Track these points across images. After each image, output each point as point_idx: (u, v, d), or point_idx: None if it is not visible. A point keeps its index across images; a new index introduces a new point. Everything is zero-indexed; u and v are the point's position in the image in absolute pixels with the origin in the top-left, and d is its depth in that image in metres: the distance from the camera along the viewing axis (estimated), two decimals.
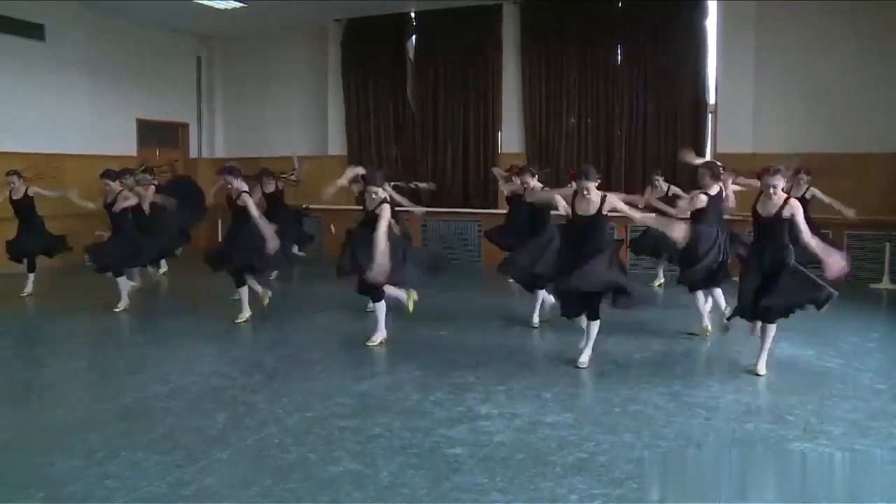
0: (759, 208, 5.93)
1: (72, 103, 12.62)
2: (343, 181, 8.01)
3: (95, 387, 5.91)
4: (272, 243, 7.56)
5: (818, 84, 10.93)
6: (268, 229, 7.57)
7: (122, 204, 8.45)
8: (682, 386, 5.65)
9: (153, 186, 9.89)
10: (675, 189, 9.13)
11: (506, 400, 5.34)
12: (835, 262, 5.65)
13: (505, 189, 9.61)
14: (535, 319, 7.75)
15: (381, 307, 6.99)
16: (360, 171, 8.00)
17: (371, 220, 6.68)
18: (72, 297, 9.62)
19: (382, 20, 13.59)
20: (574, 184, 6.12)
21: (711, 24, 11.62)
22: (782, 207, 5.78)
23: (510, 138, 13.03)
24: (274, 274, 9.90)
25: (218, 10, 12.56)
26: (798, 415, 5.02)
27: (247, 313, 7.99)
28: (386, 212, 6.58)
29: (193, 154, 15.49)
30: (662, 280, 10.19)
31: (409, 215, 9.49)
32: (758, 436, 4.65)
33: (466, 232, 12.99)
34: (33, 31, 11.99)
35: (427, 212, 11.32)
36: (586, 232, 6.13)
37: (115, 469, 4.06)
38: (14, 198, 9.37)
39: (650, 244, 9.54)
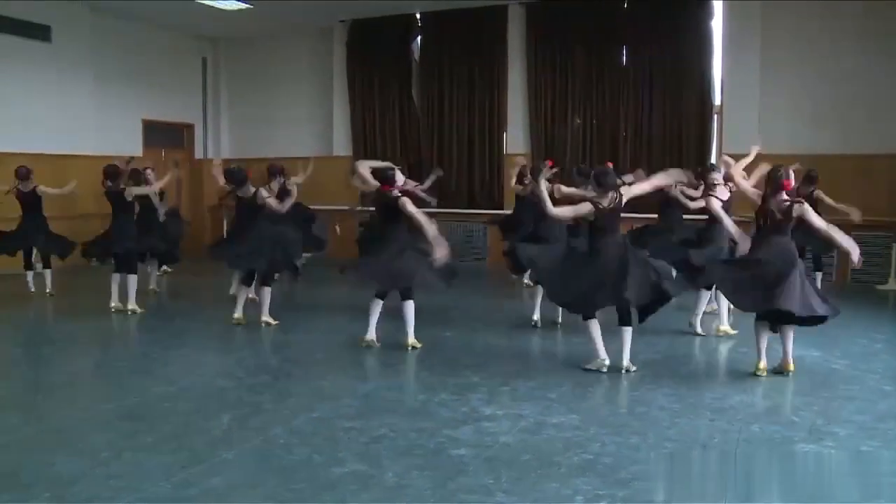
0: (766, 210, 5.90)
1: (78, 104, 12.65)
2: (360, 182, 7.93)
3: (101, 387, 5.93)
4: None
5: (824, 85, 10.91)
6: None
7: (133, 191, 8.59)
8: (688, 387, 5.64)
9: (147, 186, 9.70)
10: (682, 190, 9.05)
11: (511, 401, 5.34)
12: (853, 248, 5.64)
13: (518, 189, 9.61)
14: (536, 316, 7.70)
15: (409, 306, 6.83)
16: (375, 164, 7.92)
17: (391, 216, 6.68)
18: (77, 297, 9.63)
19: (388, 21, 13.60)
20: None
21: (717, 24, 11.60)
22: (790, 209, 5.75)
23: (515, 139, 13.02)
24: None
25: (223, 11, 12.59)
26: (804, 416, 5.00)
27: (239, 314, 7.86)
28: (408, 203, 6.58)
29: (199, 155, 15.51)
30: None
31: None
32: (763, 437, 4.64)
33: (472, 232, 12.99)
34: (39, 32, 12.01)
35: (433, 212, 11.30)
36: (607, 226, 6.04)
37: (120, 469, 4.07)
38: (23, 190, 9.35)
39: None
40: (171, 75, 14.69)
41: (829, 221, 5.94)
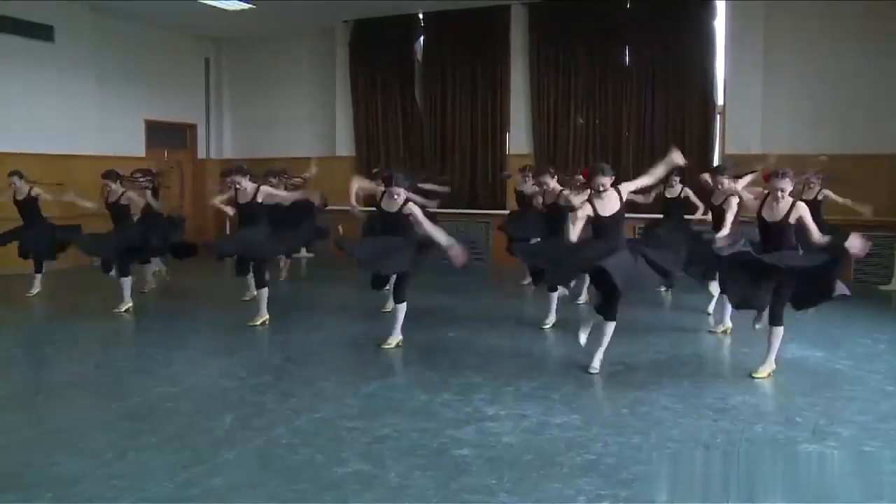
0: (766, 213, 5.88)
1: (80, 104, 12.66)
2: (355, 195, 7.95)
3: (103, 387, 5.92)
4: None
5: (827, 84, 10.90)
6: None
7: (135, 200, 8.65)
8: (691, 387, 5.63)
9: (148, 190, 9.67)
10: (688, 191, 9.05)
11: (513, 401, 5.34)
12: (854, 239, 5.54)
13: (526, 190, 9.58)
14: (551, 320, 7.69)
15: (401, 308, 6.86)
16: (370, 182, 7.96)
17: (394, 222, 6.68)
18: (79, 298, 9.65)
19: (390, 21, 13.59)
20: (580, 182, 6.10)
21: (720, 24, 11.58)
22: (789, 211, 5.74)
23: (518, 139, 13.02)
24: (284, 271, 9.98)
25: (226, 11, 12.59)
26: (807, 416, 4.99)
27: (265, 316, 7.85)
28: (416, 210, 6.58)
29: (201, 155, 15.53)
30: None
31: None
32: (766, 437, 4.63)
33: (474, 233, 12.97)
34: (42, 32, 12.02)
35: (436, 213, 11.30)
36: (609, 232, 6.04)
37: (123, 469, 4.07)
38: (18, 198, 9.33)
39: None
40: (174, 75, 14.71)
41: (839, 221, 5.92)
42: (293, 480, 3.94)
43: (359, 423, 4.83)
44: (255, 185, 7.74)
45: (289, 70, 15.08)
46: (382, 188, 6.95)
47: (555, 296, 7.63)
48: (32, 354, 7.19)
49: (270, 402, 5.30)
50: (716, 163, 10.74)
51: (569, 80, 12.53)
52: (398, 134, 13.97)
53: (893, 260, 10.23)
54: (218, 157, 15.62)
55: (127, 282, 8.54)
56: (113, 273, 8.58)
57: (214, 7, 12.30)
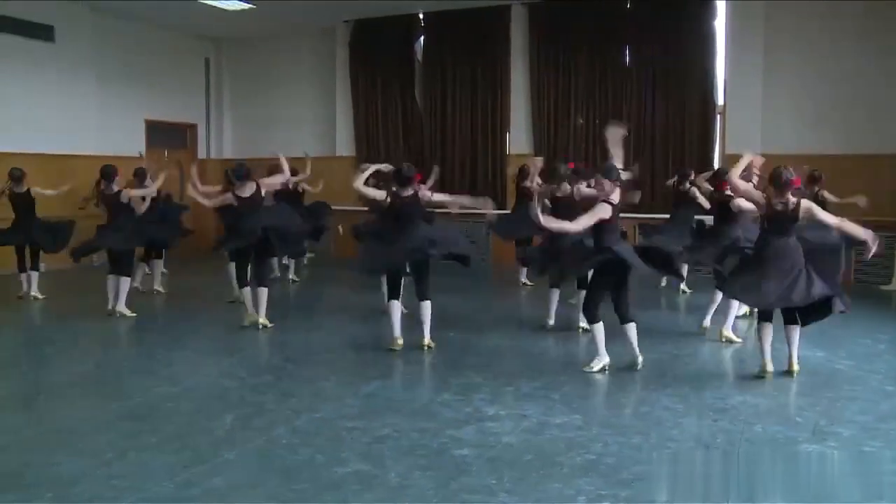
0: (771, 211, 5.86)
1: (80, 104, 12.67)
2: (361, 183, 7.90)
3: (103, 387, 5.92)
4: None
5: (827, 85, 10.90)
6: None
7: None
8: (691, 387, 5.63)
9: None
10: (695, 191, 9.01)
11: (514, 401, 5.34)
12: (870, 236, 5.62)
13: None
14: (552, 320, 7.68)
15: (427, 306, 6.79)
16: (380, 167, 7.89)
17: (409, 207, 6.67)
18: (78, 298, 9.63)
19: (391, 21, 13.60)
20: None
21: (720, 24, 11.59)
22: (795, 210, 5.72)
23: (518, 139, 13.03)
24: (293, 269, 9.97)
25: (226, 11, 12.59)
26: (807, 417, 5.00)
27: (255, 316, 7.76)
28: (429, 192, 6.66)
29: (202, 154, 15.51)
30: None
31: None
32: (766, 437, 4.63)
33: (474, 233, 12.94)
34: (42, 32, 12.03)
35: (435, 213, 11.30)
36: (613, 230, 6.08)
37: (123, 469, 4.07)
38: (16, 191, 9.26)
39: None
40: (174, 75, 14.71)
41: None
42: (293, 480, 3.94)
43: (359, 423, 4.83)
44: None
45: (289, 70, 15.09)
46: (386, 192, 6.88)
47: (555, 293, 7.61)
48: (32, 354, 7.19)
49: (270, 402, 5.30)
50: (716, 163, 10.75)
51: (569, 80, 12.54)
52: (398, 134, 13.98)
53: (893, 260, 10.22)
54: (218, 156, 15.62)
55: (126, 282, 8.48)
56: (113, 274, 8.54)
57: (214, 7, 12.31)
